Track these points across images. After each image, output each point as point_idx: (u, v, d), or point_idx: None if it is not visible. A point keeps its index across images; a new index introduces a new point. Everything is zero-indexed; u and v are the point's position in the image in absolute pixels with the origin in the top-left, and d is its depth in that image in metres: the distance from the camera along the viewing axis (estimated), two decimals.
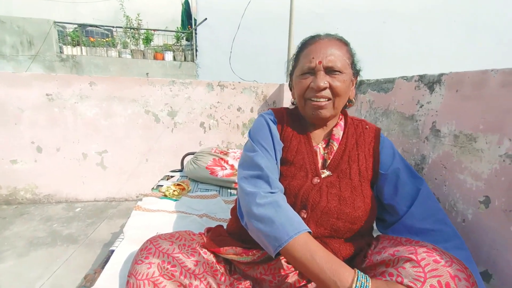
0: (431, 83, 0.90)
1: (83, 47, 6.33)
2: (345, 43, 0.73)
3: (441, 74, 0.86)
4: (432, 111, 0.89)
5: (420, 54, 5.28)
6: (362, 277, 0.50)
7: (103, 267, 0.78)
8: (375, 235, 0.72)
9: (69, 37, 6.39)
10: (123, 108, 2.34)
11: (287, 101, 2.30)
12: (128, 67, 6.33)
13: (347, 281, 0.49)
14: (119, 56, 6.46)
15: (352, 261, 0.68)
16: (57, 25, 6.13)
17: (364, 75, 0.79)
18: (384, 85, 1.16)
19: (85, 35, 6.59)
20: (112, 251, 0.85)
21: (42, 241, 1.81)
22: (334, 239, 0.68)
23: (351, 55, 0.73)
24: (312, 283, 0.68)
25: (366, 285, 0.49)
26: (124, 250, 0.85)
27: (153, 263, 0.64)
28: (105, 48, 6.42)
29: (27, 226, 1.99)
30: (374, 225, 0.76)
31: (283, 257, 0.69)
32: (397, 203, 0.70)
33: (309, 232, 0.58)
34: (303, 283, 0.68)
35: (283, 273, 0.69)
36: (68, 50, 6.22)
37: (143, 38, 6.66)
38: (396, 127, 1.08)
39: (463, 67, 0.83)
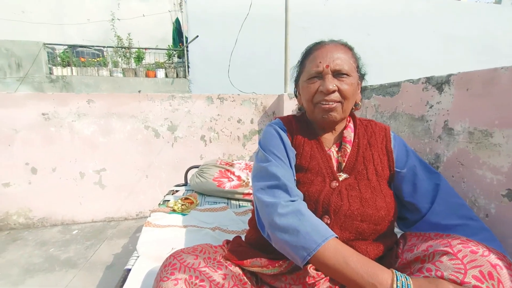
0: (439, 84, 0.93)
1: (73, 68, 6.27)
2: (350, 48, 0.75)
3: (450, 75, 0.89)
4: (443, 110, 0.91)
5: (401, 64, 5.51)
6: (401, 276, 0.49)
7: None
8: (397, 235, 0.71)
9: (59, 58, 6.34)
10: (122, 124, 2.31)
11: (287, 111, 2.32)
12: (120, 85, 6.29)
13: (387, 282, 0.48)
14: (110, 75, 6.42)
15: (381, 262, 0.66)
16: (47, 46, 6.09)
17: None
18: (389, 89, 1.19)
19: (75, 55, 6.56)
20: (129, 270, 0.81)
21: (38, 267, 1.70)
22: (360, 241, 0.66)
23: (356, 59, 0.75)
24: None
25: (408, 284, 0.47)
26: (141, 268, 0.80)
27: (180, 278, 0.60)
28: (96, 68, 6.38)
29: (21, 252, 1.88)
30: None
31: (311, 265, 0.67)
32: (418, 200, 0.70)
33: (336, 237, 0.57)
34: None
35: (313, 281, 0.66)
36: (58, 71, 6.13)
37: (134, 57, 6.67)
38: (405, 128, 1.10)
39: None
